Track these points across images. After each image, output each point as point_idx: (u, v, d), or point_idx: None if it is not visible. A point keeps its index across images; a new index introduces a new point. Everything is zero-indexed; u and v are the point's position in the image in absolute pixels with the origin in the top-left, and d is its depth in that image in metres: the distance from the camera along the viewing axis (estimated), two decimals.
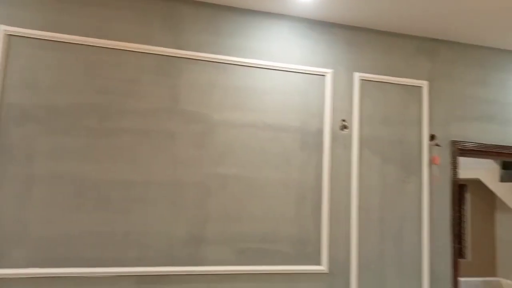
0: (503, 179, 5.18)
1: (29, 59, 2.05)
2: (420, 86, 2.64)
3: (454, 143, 2.66)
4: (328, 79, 2.47)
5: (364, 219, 2.46)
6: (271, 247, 2.29)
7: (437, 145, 2.62)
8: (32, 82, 2.04)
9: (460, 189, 6.32)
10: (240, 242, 2.25)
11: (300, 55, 2.46)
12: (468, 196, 6.32)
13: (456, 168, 2.68)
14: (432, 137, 2.62)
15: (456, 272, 2.61)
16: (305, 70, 2.44)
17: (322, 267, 2.35)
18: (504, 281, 5.91)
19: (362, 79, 2.54)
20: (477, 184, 6.03)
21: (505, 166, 5.20)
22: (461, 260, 6.13)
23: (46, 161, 2.02)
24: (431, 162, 2.60)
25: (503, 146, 2.78)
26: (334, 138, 2.45)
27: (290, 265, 2.31)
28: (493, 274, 6.13)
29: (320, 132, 2.44)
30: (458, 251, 2.65)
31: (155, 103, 2.19)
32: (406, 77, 2.62)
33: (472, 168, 5.51)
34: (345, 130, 2.48)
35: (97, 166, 2.08)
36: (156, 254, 2.12)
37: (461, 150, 2.69)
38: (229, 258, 2.22)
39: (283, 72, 2.41)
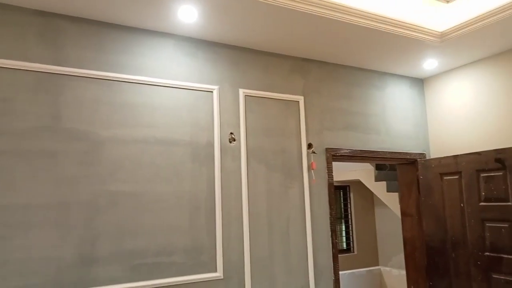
0: (377, 179, 5.96)
1: None
2: (297, 101, 2.97)
3: (328, 150, 3.05)
4: (215, 95, 2.64)
5: (254, 223, 2.66)
6: (166, 259, 2.34)
7: (313, 152, 2.97)
8: None
9: (344, 189, 7.05)
10: (134, 258, 2.25)
11: (186, 72, 2.58)
12: (351, 196, 7.10)
13: (331, 172, 3.06)
14: (309, 146, 2.96)
15: (336, 264, 2.96)
16: (192, 86, 2.57)
17: (218, 274, 2.47)
18: (383, 268, 6.75)
19: (246, 95, 2.76)
20: (358, 184, 6.83)
21: (378, 167, 6.01)
22: (348, 254, 6.83)
23: None
24: (310, 168, 2.93)
25: (367, 150, 3.26)
26: (223, 150, 2.62)
27: (186, 276, 2.38)
28: (375, 264, 6.96)
29: (210, 145, 2.58)
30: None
31: (33, 121, 2.09)
32: (285, 93, 2.93)
33: (353, 170, 6.25)
34: (233, 142, 2.67)
35: None
36: (42, 280, 2.00)
37: (334, 156, 3.09)
38: (123, 275, 2.21)
39: (171, 88, 2.51)
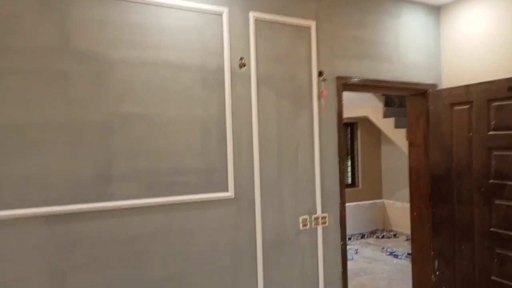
0: (385, 115, 5.96)
1: None
2: (308, 26, 2.89)
3: (338, 78, 3.02)
4: (224, 18, 2.57)
5: (264, 148, 2.72)
6: (180, 179, 2.44)
7: (324, 80, 2.94)
8: None
9: (351, 126, 7.08)
10: (148, 177, 2.34)
11: None
12: (358, 132, 7.15)
13: (341, 100, 3.05)
14: (320, 73, 2.93)
15: (343, 189, 3.06)
16: (200, 8, 2.49)
17: (229, 193, 2.59)
18: (386, 201, 6.98)
19: (257, 19, 2.69)
20: (366, 121, 6.85)
21: (387, 103, 5.97)
22: (353, 189, 7.04)
23: None
24: (320, 95, 2.93)
25: (378, 80, 3.22)
26: (233, 76, 2.61)
27: (201, 194, 2.49)
28: (379, 197, 7.18)
29: (220, 70, 2.57)
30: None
31: (42, 40, 2.07)
32: (296, 17, 2.84)
33: (361, 107, 6.23)
34: (243, 68, 2.64)
35: None
36: (62, 193, 2.11)
37: (345, 84, 3.07)
38: (139, 192, 2.31)
39: (179, 10, 2.44)
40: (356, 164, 7.16)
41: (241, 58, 2.64)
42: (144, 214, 2.33)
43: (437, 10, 3.55)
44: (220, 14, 2.56)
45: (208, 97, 2.53)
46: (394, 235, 6.59)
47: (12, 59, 2.02)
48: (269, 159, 2.75)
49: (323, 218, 2.94)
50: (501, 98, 2.96)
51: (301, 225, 2.86)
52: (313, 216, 2.90)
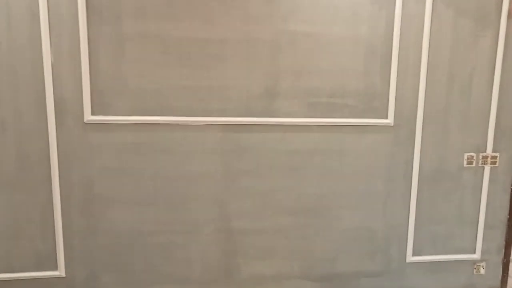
0: None
1: None
2: None
3: None
4: None
5: (432, 74, 2.48)
6: (340, 101, 2.43)
7: None
8: None
9: None
10: (310, 96, 2.40)
11: None
12: None
13: None
14: None
15: None
16: None
17: (388, 120, 2.48)
18: None
19: None
20: None
21: None
22: None
23: (132, 21, 2.17)
24: (510, 13, 2.46)
25: None
26: None
27: (358, 118, 2.46)
28: None
29: None
30: None
31: None
32: None
33: None
34: None
35: (177, 24, 2.22)
36: (236, 106, 2.34)
37: None
38: (300, 110, 2.40)
39: None
40: None
41: None
42: (303, 132, 2.43)
43: None
44: None
45: (377, 14, 2.37)
46: None
47: None
48: (437, 86, 2.50)
49: (493, 157, 2.62)
50: None
51: (465, 162, 2.61)
52: (481, 154, 2.61)
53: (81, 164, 2.27)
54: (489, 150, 2.60)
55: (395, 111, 2.48)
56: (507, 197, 2.68)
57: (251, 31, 2.28)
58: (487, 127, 2.59)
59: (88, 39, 2.16)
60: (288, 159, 2.44)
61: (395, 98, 2.46)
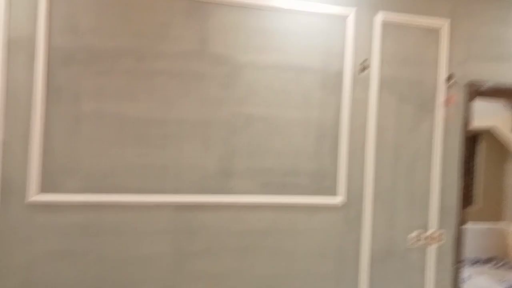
0: None
1: (70, 3, 2.19)
2: (441, 25, 2.69)
3: (470, 83, 2.76)
4: (350, 19, 2.55)
5: (379, 155, 2.64)
6: (292, 180, 2.51)
7: (453, 85, 2.71)
8: (74, 26, 2.19)
9: (473, 138, 6.43)
10: (264, 175, 2.46)
11: None
12: (480, 145, 6.43)
13: (470, 109, 2.79)
14: (450, 77, 2.72)
15: (461, 207, 2.80)
16: (327, 10, 2.52)
17: (338, 199, 2.57)
18: (508, 227, 6.15)
19: (384, 19, 2.61)
20: (490, 133, 6.13)
21: None
22: (470, 207, 6.37)
23: (90, 101, 2.22)
24: (447, 101, 2.72)
25: None
26: (353, 79, 2.58)
27: (309, 196, 2.53)
28: (499, 220, 6.37)
29: (340, 73, 2.56)
30: (467, 194, 2.83)
31: (185, 45, 2.33)
32: (427, 16, 2.67)
33: (486, 117, 5.59)
34: (365, 71, 2.60)
35: (135, 105, 2.28)
36: (190, 185, 2.35)
37: (476, 91, 2.79)
38: (254, 190, 2.45)
39: (305, 13, 2.50)
40: (474, 180, 6.47)
41: (364, 61, 2.59)
42: (257, 211, 2.46)
43: None
44: (345, 17, 2.56)
45: (326, 100, 2.55)
46: None
47: (161, 63, 2.31)
48: (384, 168, 2.65)
49: (438, 236, 2.73)
50: None
51: (412, 241, 2.70)
52: (426, 233, 2.72)
53: (22, 247, 2.14)
54: (433, 229, 2.72)
55: (345, 190, 2.58)
56: (452, 277, 2.76)
57: (207, 113, 2.38)
58: (432, 207, 2.73)
59: (45, 117, 2.17)
60: (241, 240, 2.44)
61: (345, 178, 2.58)
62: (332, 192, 2.57)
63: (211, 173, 2.38)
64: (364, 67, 2.59)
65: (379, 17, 2.59)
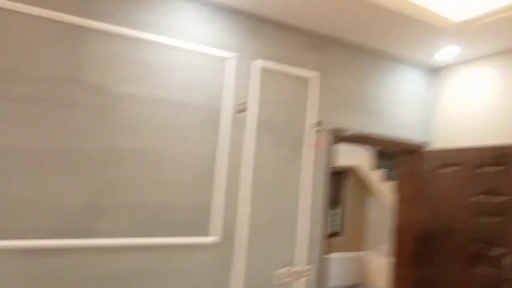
0: (375, 167, 6.04)
1: None
2: (311, 77, 2.99)
3: (335, 130, 3.09)
4: (231, 63, 2.65)
5: (255, 194, 2.73)
6: (166, 219, 2.41)
7: (321, 130, 3.00)
8: None
9: (340, 174, 7.15)
10: (136, 213, 2.32)
11: (206, 37, 2.59)
12: (346, 181, 7.21)
13: (334, 152, 3.11)
14: (318, 124, 3.00)
15: (326, 242, 3.04)
16: (210, 52, 2.58)
17: (213, 237, 2.55)
18: (368, 254, 6.92)
19: (262, 66, 2.78)
20: (354, 170, 6.92)
21: (378, 155, 6.08)
22: (337, 238, 6.99)
23: None
24: (316, 145, 2.98)
25: (373, 134, 3.30)
26: (232, 119, 2.66)
27: (184, 237, 2.46)
28: (362, 249, 7.13)
29: (220, 112, 2.62)
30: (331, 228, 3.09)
31: (54, 69, 2.12)
32: (300, 67, 2.94)
33: (352, 157, 6.32)
34: (243, 112, 2.70)
35: None
36: (49, 225, 2.07)
37: (340, 136, 3.13)
38: (123, 230, 2.28)
39: (189, 51, 2.52)
40: (341, 213, 7.17)
41: (243, 103, 2.69)
42: (126, 253, 2.28)
43: (434, 72, 3.70)
44: (227, 60, 2.65)
45: (205, 138, 2.56)
46: None
47: (24, 85, 2.05)
48: (259, 204, 2.74)
49: (305, 271, 2.90)
50: (489, 164, 3.05)
51: (282, 276, 2.81)
52: (294, 268, 2.86)
53: None
54: (301, 264, 2.88)
55: (220, 228, 2.58)
56: None
57: (77, 144, 2.17)
58: (300, 242, 2.90)
59: None
60: (107, 286, 2.21)
61: (220, 216, 2.58)
62: (207, 230, 2.54)
63: (76, 211, 2.15)
64: (242, 108, 2.69)
65: (258, 63, 2.76)
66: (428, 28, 2.81)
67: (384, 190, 5.94)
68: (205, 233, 2.54)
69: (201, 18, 2.58)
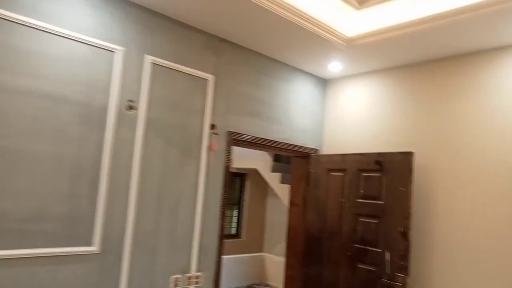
0: (273, 170, 6.22)
1: None
2: (206, 79, 2.90)
3: (229, 133, 3.05)
4: (119, 56, 2.43)
5: (142, 198, 2.54)
6: (36, 227, 2.10)
7: (215, 133, 2.94)
8: None
9: (241, 176, 7.22)
10: None
11: (90, 25, 2.33)
12: (247, 184, 7.31)
13: (230, 155, 3.07)
14: (212, 126, 2.93)
15: (221, 247, 2.99)
16: (95, 43, 2.33)
17: (94, 248, 2.30)
18: (266, 255, 7.11)
19: (153, 63, 2.60)
20: (255, 173, 7.05)
21: (275, 159, 6.27)
22: (236, 240, 7.04)
23: None
24: (209, 148, 2.90)
25: (267, 139, 3.35)
26: (119, 117, 2.44)
27: (58, 247, 2.17)
28: (260, 250, 7.29)
29: (104, 109, 2.38)
30: (224, 229, 3.04)
31: None
32: (195, 69, 2.84)
33: (251, 160, 6.42)
34: (131, 110, 2.49)
35: None
36: None
37: (235, 140, 3.11)
38: None
39: (69, 39, 2.24)
40: (241, 215, 7.24)
41: (131, 100, 2.49)
42: None
43: (324, 82, 3.92)
44: (114, 52, 2.42)
45: (86, 136, 2.30)
46: None
47: None
48: (147, 210, 2.56)
49: (197, 277, 2.80)
50: (370, 170, 3.31)
51: (172, 285, 2.67)
52: (186, 275, 2.74)
53: None
54: (193, 270, 2.78)
55: (102, 236, 2.34)
56: None
57: None
58: (192, 248, 2.79)
59: None
60: None
61: (102, 223, 2.34)
62: (86, 239, 2.28)
63: None
64: (130, 106, 2.49)
65: (149, 59, 2.58)
66: (319, 42, 2.94)
67: (281, 193, 6.15)
68: (85, 243, 2.28)
69: (84, 3, 2.31)
